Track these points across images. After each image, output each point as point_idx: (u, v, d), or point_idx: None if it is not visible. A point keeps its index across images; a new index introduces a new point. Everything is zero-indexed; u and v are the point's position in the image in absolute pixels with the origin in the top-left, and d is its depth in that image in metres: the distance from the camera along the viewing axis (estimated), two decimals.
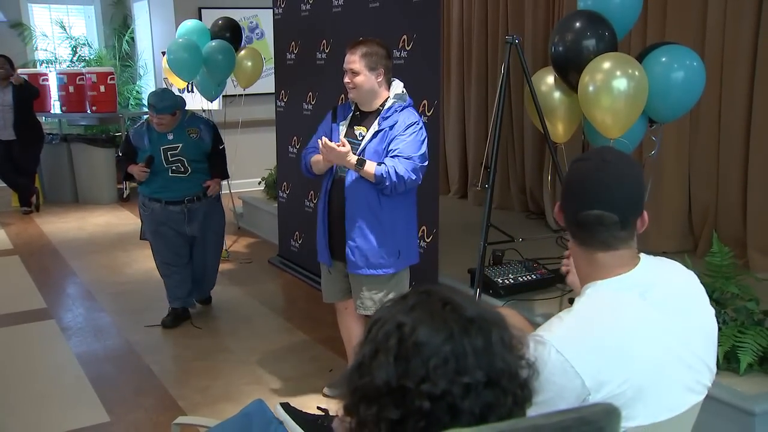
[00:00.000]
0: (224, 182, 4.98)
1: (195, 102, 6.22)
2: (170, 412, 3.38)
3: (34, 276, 5.62)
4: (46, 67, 9.46)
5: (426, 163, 3.07)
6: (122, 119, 8.57)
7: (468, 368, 1.05)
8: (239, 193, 6.82)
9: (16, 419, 3.44)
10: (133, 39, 9.65)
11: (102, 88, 8.32)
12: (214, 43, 5.52)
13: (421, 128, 3.04)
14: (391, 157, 2.98)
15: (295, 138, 5.45)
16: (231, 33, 5.70)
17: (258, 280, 5.41)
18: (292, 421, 2.71)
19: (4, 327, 4.59)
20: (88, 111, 8.51)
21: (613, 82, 3.18)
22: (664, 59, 3.32)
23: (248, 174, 6.96)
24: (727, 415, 2.71)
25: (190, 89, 6.64)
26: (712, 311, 1.66)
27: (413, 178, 2.98)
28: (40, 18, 9.74)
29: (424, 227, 3.99)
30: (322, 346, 4.15)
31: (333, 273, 3.32)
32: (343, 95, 3.88)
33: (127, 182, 4.55)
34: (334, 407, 1.17)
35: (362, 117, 3.15)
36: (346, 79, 3.07)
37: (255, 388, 3.65)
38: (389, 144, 3.01)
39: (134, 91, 9.69)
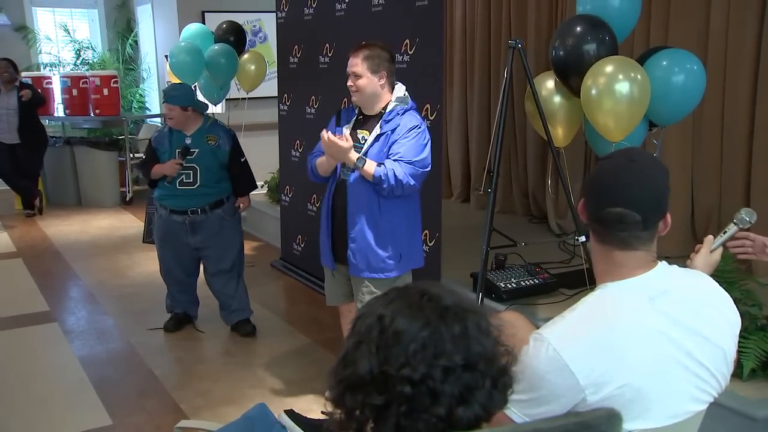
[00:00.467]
0: None
1: None
2: (172, 416, 3.39)
3: (37, 279, 5.63)
4: (50, 70, 9.48)
5: (427, 169, 3.05)
6: (125, 122, 8.58)
7: (446, 352, 1.10)
8: None
9: (18, 421, 3.44)
10: (136, 42, 9.68)
11: (105, 92, 8.33)
12: (216, 47, 5.53)
13: (423, 131, 3.04)
14: (393, 160, 2.98)
15: (298, 141, 5.45)
16: (235, 37, 5.72)
17: (260, 283, 5.41)
18: (298, 428, 2.71)
19: (7, 330, 4.60)
20: (92, 114, 8.53)
21: (616, 86, 3.19)
22: (664, 63, 3.33)
23: None
24: (730, 420, 2.70)
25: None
26: (735, 328, 1.62)
27: (411, 184, 2.98)
28: (44, 21, 9.77)
29: (426, 231, 3.99)
30: (325, 349, 4.15)
31: (336, 276, 3.33)
32: (346, 99, 3.88)
33: (150, 187, 4.39)
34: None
35: (365, 120, 3.16)
36: (349, 83, 3.07)
37: (257, 391, 3.65)
38: (390, 147, 3.01)
39: (137, 95, 9.71)
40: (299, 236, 5.56)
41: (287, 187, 5.71)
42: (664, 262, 1.62)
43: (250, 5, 7.88)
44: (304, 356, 4.11)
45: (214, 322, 4.49)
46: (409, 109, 3.10)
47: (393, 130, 3.02)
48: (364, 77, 3.02)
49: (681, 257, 4.27)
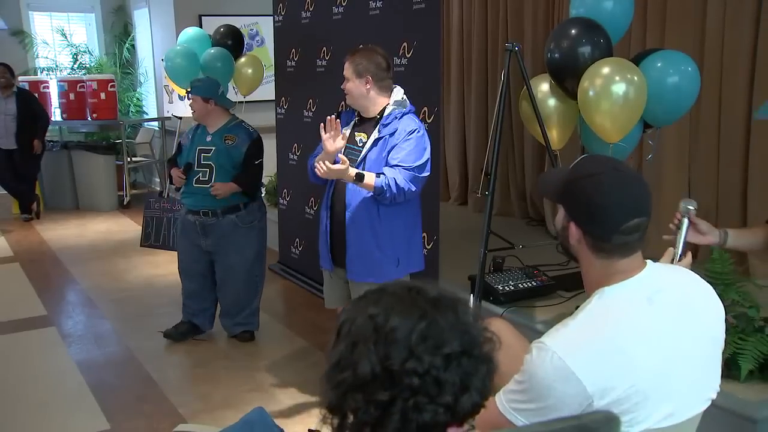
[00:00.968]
0: None
1: None
2: (170, 420, 3.38)
3: (35, 283, 5.62)
4: (47, 74, 9.48)
5: (427, 174, 3.05)
6: (122, 126, 8.59)
7: (446, 341, 1.12)
8: None
9: (16, 427, 3.44)
10: (133, 46, 9.68)
11: (102, 96, 8.33)
12: (212, 51, 5.53)
13: (422, 135, 3.03)
14: (391, 166, 2.98)
15: (295, 145, 5.45)
16: (233, 40, 5.71)
17: None
18: None
19: (5, 334, 4.59)
20: (89, 118, 8.53)
21: (613, 87, 3.20)
22: (659, 64, 3.35)
23: None
24: (729, 422, 2.70)
25: (189, 96, 6.64)
26: (721, 313, 1.65)
27: (413, 189, 2.97)
28: (41, 26, 9.76)
29: (424, 234, 3.98)
30: (323, 352, 4.11)
31: (334, 279, 3.32)
32: (343, 102, 3.89)
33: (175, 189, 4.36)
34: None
35: (362, 123, 3.16)
36: (343, 86, 3.12)
37: (256, 395, 3.64)
38: (390, 152, 3.01)
39: (135, 99, 9.70)
40: (297, 239, 5.56)
41: (285, 190, 5.71)
42: (648, 260, 1.63)
43: (247, 9, 7.88)
44: (303, 359, 4.10)
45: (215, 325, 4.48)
46: (407, 113, 3.10)
47: (391, 134, 3.02)
48: (351, 81, 3.07)
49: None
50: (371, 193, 3.00)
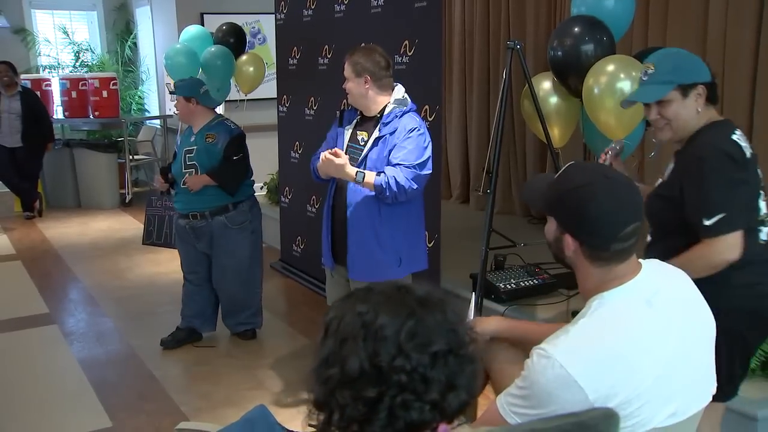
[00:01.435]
0: None
1: None
2: (172, 417, 3.39)
3: (37, 281, 5.63)
4: (49, 72, 9.49)
5: (429, 172, 3.03)
6: (124, 124, 8.59)
7: (433, 339, 1.13)
8: None
9: (18, 425, 3.45)
10: (135, 44, 9.68)
11: (104, 94, 8.34)
12: (213, 49, 5.53)
13: (422, 134, 3.02)
14: (393, 165, 2.97)
15: (297, 143, 5.46)
16: (235, 38, 5.71)
17: None
18: None
19: (7, 332, 4.60)
20: (91, 116, 8.54)
21: (618, 84, 3.20)
22: None
23: None
24: (730, 419, 2.70)
25: None
26: (708, 308, 1.66)
27: (414, 188, 2.96)
28: (43, 24, 9.76)
29: (426, 232, 3.99)
30: None
31: (335, 276, 3.32)
32: (345, 100, 3.89)
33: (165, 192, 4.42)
34: None
35: (364, 122, 3.16)
36: (344, 85, 3.13)
37: (257, 393, 3.65)
38: (391, 151, 3.01)
39: (136, 97, 9.71)
40: (299, 237, 5.56)
41: (287, 188, 5.71)
42: (641, 260, 1.63)
43: (249, 7, 7.88)
44: (304, 358, 4.10)
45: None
46: (408, 111, 3.09)
47: (392, 133, 3.02)
48: (350, 80, 3.08)
49: None
50: (373, 193, 2.99)
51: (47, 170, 8.22)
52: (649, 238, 2.35)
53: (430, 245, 4.06)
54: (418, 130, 3.01)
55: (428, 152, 3.02)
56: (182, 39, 5.73)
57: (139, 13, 9.50)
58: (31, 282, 5.62)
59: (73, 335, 4.54)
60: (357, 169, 2.95)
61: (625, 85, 3.20)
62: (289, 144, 5.58)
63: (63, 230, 7.33)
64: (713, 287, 1.81)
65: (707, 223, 2.08)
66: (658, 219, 2.26)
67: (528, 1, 5.81)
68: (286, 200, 5.72)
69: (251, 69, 5.72)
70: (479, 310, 3.46)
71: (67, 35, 9.65)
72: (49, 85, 8.77)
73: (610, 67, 3.23)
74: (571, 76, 3.48)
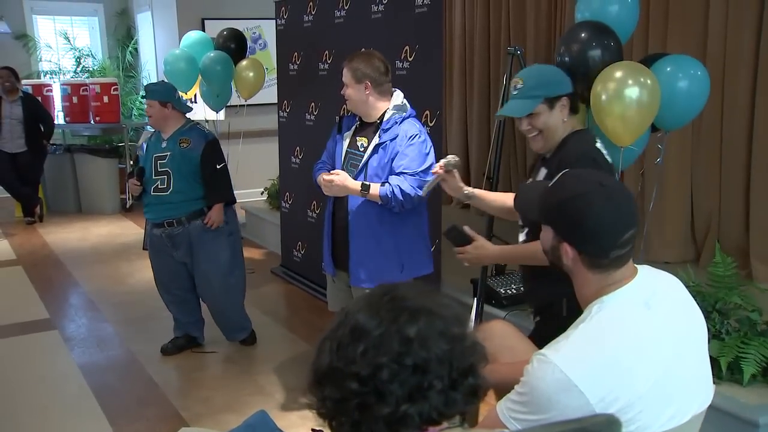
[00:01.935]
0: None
1: (198, 112, 6.24)
2: (173, 423, 3.39)
3: (37, 286, 5.63)
4: (50, 78, 9.51)
5: (432, 177, 3.04)
6: (125, 130, 8.60)
7: (394, 353, 1.12)
8: (242, 203, 6.82)
9: (18, 430, 3.44)
10: (136, 50, 9.70)
11: (105, 99, 8.35)
12: (212, 54, 5.54)
13: (424, 140, 3.03)
14: (396, 174, 2.97)
15: (297, 148, 5.46)
16: (235, 44, 5.72)
17: (261, 289, 5.41)
18: None
19: (7, 337, 4.60)
20: (92, 121, 8.55)
21: (626, 91, 3.19)
22: (668, 69, 3.34)
23: (251, 184, 6.97)
24: (731, 425, 2.70)
25: (194, 100, 6.67)
26: (699, 310, 1.68)
27: (420, 194, 2.96)
28: (44, 29, 9.79)
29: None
30: None
31: (336, 282, 3.33)
32: (344, 106, 3.89)
33: (134, 199, 4.23)
34: None
35: (363, 128, 3.16)
36: (342, 90, 3.13)
37: (258, 398, 3.64)
38: (393, 159, 3.00)
39: (137, 102, 9.71)
40: (299, 243, 5.56)
41: (287, 193, 5.71)
42: (636, 265, 1.64)
43: (250, 12, 7.91)
44: (305, 363, 4.06)
45: (213, 329, 4.48)
46: (408, 117, 3.09)
47: (392, 140, 3.02)
48: (350, 87, 3.07)
49: (680, 263, 4.28)
50: (372, 202, 3.00)
51: (48, 175, 8.23)
52: (523, 238, 2.55)
53: (431, 250, 4.05)
54: (419, 136, 3.01)
55: (431, 158, 3.02)
56: (183, 45, 5.74)
57: (140, 19, 9.52)
58: (31, 287, 5.62)
59: (74, 340, 4.54)
60: (361, 183, 2.95)
61: (634, 92, 3.20)
62: (289, 149, 5.59)
63: (64, 235, 7.33)
64: (550, 277, 1.89)
65: None
66: (532, 219, 2.38)
67: (528, 7, 5.82)
68: (287, 205, 5.72)
69: (251, 74, 5.73)
70: (480, 316, 3.46)
71: (69, 41, 9.68)
72: (51, 91, 8.79)
73: (618, 74, 3.23)
74: (577, 82, 3.46)
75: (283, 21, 5.53)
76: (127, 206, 8.34)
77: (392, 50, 3.97)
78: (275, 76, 5.83)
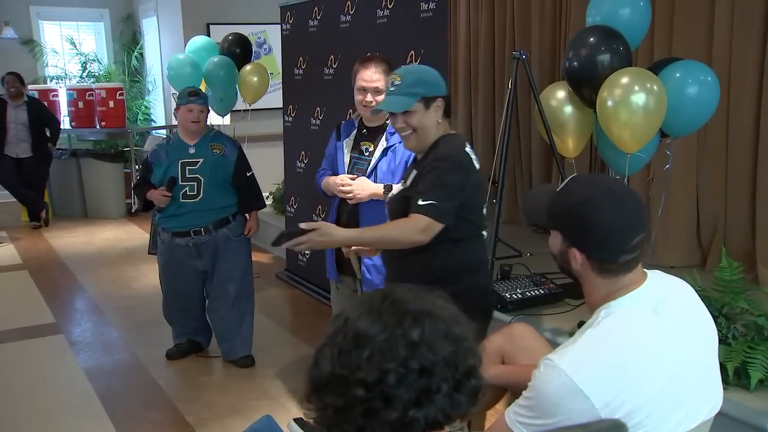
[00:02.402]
0: None
1: None
2: (178, 428, 3.39)
3: (43, 290, 5.64)
4: (56, 83, 9.55)
5: None
6: (131, 134, 8.63)
7: (400, 357, 1.11)
8: None
9: None
10: (142, 55, 9.74)
11: (111, 104, 8.39)
12: (215, 59, 5.55)
13: None
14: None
15: (303, 153, 5.47)
16: (240, 49, 5.73)
17: (265, 294, 5.41)
18: None
19: (13, 341, 4.61)
20: (97, 126, 8.59)
21: (632, 97, 3.17)
22: (678, 74, 3.33)
23: None
24: (738, 431, 2.69)
25: None
26: (709, 315, 1.68)
27: None
28: (50, 34, 9.84)
29: None
30: None
31: (340, 289, 3.32)
32: (351, 110, 3.89)
33: (145, 210, 4.13)
34: None
35: (368, 132, 3.14)
36: (369, 98, 2.98)
37: (263, 402, 3.64)
38: (406, 162, 2.96)
39: (143, 107, 9.76)
40: None
41: (292, 198, 5.72)
42: (645, 270, 1.64)
43: (255, 17, 7.93)
44: None
45: None
46: None
47: (401, 142, 3.00)
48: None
49: (686, 267, 4.26)
50: (385, 210, 2.98)
51: (54, 180, 8.26)
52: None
53: None
54: None
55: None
56: (188, 50, 5.75)
57: (145, 24, 9.56)
58: (37, 291, 5.63)
59: (79, 345, 4.54)
60: (383, 185, 2.92)
61: (640, 98, 3.18)
62: (294, 154, 5.59)
63: (69, 240, 7.35)
64: (449, 290, 1.90)
65: (420, 202, 2.31)
66: (402, 217, 2.40)
67: (533, 11, 5.82)
68: (292, 210, 5.72)
69: (255, 79, 5.74)
70: None
71: (75, 46, 9.73)
72: (57, 96, 8.82)
73: (625, 80, 3.21)
74: (586, 86, 3.44)
75: (288, 26, 5.54)
76: (133, 211, 8.36)
77: (397, 55, 3.98)
78: (280, 80, 5.84)
